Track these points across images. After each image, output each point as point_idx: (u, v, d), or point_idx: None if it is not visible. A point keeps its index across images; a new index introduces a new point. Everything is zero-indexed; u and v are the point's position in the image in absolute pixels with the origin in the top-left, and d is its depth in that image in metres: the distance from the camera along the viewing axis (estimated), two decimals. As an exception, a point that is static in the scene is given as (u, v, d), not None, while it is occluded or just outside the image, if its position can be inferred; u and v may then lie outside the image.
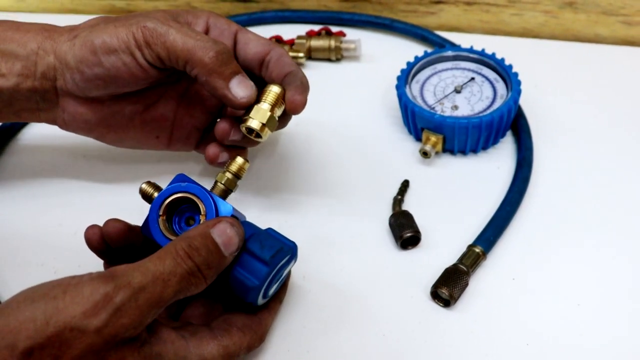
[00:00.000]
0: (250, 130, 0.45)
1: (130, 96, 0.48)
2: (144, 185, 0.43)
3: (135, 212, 0.45)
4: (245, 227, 0.41)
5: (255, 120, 0.45)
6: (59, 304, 0.33)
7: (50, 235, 0.53)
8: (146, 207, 0.43)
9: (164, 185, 0.43)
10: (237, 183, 0.44)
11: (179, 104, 0.51)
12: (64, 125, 0.49)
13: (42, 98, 0.47)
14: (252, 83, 0.45)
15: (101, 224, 0.53)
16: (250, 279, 0.39)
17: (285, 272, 0.43)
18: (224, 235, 0.38)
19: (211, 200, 0.41)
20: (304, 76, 0.47)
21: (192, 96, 0.51)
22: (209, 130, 0.52)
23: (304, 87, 0.46)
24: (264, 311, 0.43)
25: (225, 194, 0.43)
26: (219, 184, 0.44)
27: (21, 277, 0.50)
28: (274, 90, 0.45)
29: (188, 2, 0.78)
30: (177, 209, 0.43)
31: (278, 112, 0.46)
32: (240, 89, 0.44)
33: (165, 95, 0.51)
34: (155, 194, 0.42)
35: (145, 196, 0.43)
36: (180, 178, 0.43)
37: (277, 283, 0.43)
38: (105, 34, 0.44)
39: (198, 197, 0.41)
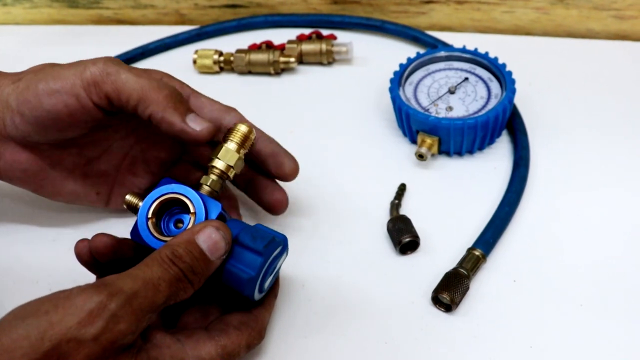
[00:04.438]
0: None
1: (72, 146, 0.47)
2: (128, 197, 0.43)
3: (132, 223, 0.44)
4: (233, 224, 0.41)
5: (220, 161, 0.44)
6: (52, 317, 0.33)
7: (44, 251, 0.52)
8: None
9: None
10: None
11: (122, 162, 0.50)
12: (0, 174, 0.47)
13: None
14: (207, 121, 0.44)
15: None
16: (245, 271, 0.39)
17: (279, 264, 0.43)
18: (210, 240, 0.38)
19: (200, 200, 0.41)
20: (274, 141, 0.48)
21: (137, 155, 0.50)
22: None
23: (288, 153, 0.48)
24: (259, 308, 0.43)
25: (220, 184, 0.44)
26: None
27: (16, 295, 0.49)
28: (241, 129, 0.44)
29: (176, 10, 0.78)
30: (166, 211, 0.42)
31: (243, 152, 0.45)
32: (197, 123, 0.43)
33: (109, 151, 0.50)
34: (140, 204, 0.42)
35: (131, 207, 0.43)
36: (167, 181, 0.42)
37: (272, 276, 0.43)
38: (49, 76, 0.43)
39: (187, 197, 0.41)
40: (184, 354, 0.38)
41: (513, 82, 0.56)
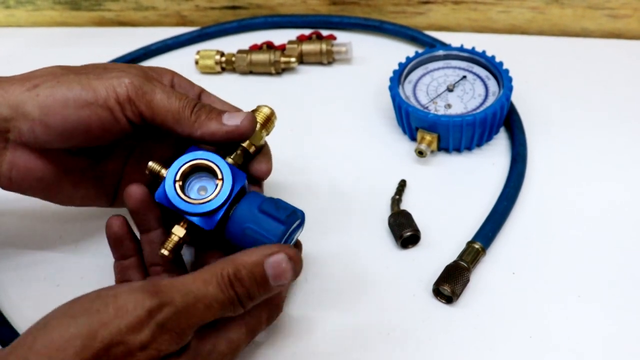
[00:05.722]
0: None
1: (85, 151, 0.46)
2: (151, 163, 0.43)
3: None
4: (256, 195, 0.42)
5: (247, 140, 0.45)
6: (103, 317, 0.33)
7: (51, 248, 0.53)
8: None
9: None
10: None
11: (127, 161, 0.49)
12: (8, 184, 0.45)
13: None
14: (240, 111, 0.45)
15: (102, 235, 0.53)
16: (267, 237, 0.40)
17: (295, 238, 0.44)
18: (278, 269, 0.37)
19: (228, 168, 0.42)
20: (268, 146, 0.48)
21: (141, 153, 0.49)
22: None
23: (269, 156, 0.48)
24: None
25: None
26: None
27: (25, 292, 0.50)
28: (264, 110, 0.46)
29: (177, 11, 0.79)
30: (190, 177, 0.43)
31: (265, 133, 0.46)
32: (234, 119, 0.43)
33: (115, 152, 0.49)
34: (163, 171, 0.42)
35: (153, 173, 0.43)
36: (194, 149, 0.43)
37: None
38: (79, 85, 0.41)
39: (215, 164, 0.42)
40: (217, 339, 0.38)
41: (510, 80, 0.57)
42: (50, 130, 0.42)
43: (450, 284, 0.46)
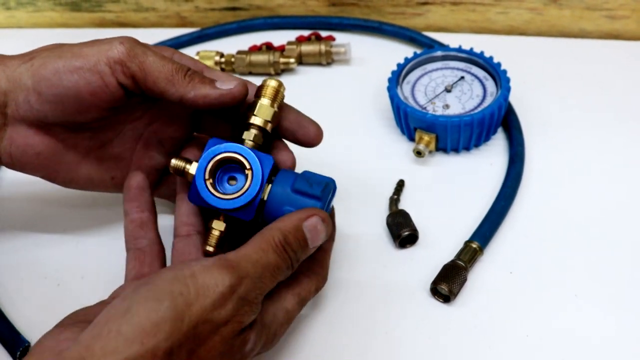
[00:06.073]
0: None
1: (86, 129, 0.46)
2: (174, 161, 0.43)
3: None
4: (286, 173, 0.43)
5: (258, 118, 0.44)
6: (188, 298, 0.34)
7: (52, 248, 0.53)
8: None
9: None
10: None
11: (136, 144, 0.49)
12: (9, 161, 0.45)
13: None
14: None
15: (103, 234, 0.54)
16: None
17: (330, 205, 0.45)
18: (314, 231, 0.40)
19: (254, 155, 0.42)
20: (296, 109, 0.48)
21: (151, 137, 0.49)
22: (167, 172, 0.51)
23: (311, 120, 0.48)
24: (321, 253, 0.44)
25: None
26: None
27: (25, 291, 0.50)
28: (271, 84, 0.45)
29: (177, 12, 0.79)
30: (218, 170, 0.43)
31: (276, 106, 0.45)
32: (227, 83, 0.43)
33: (122, 134, 0.48)
34: (188, 166, 0.43)
35: (177, 171, 0.43)
36: (215, 141, 0.43)
37: None
38: (68, 53, 0.42)
39: (241, 155, 0.42)
40: (275, 309, 0.40)
41: (508, 80, 0.57)
42: (42, 99, 0.42)
43: (448, 283, 0.46)
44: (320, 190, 0.41)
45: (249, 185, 0.41)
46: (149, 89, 0.42)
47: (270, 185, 0.42)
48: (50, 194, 0.57)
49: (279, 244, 0.38)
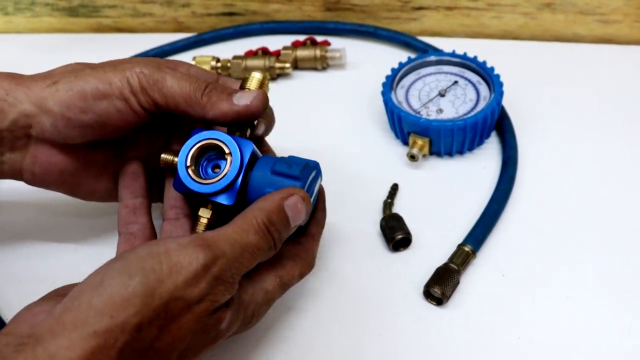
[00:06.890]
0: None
1: (104, 144, 0.47)
2: (163, 155, 0.44)
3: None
4: (267, 158, 0.43)
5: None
6: (160, 275, 0.34)
7: (51, 252, 0.54)
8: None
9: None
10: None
11: (148, 152, 0.49)
12: (31, 178, 0.46)
13: (11, 148, 0.45)
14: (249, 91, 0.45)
15: (102, 242, 0.54)
16: None
17: (316, 190, 0.45)
18: (295, 209, 0.40)
19: (232, 141, 0.42)
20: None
21: (162, 146, 0.49)
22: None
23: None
24: (308, 238, 0.45)
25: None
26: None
27: (24, 295, 0.50)
28: (256, 76, 0.46)
29: (174, 18, 0.80)
30: (202, 158, 0.44)
31: None
32: (244, 98, 0.43)
33: (136, 145, 0.49)
34: (175, 158, 0.44)
35: (167, 164, 0.44)
36: (198, 131, 0.44)
37: (311, 200, 0.44)
38: (95, 79, 0.43)
39: (220, 140, 0.43)
40: (254, 289, 0.40)
41: (501, 84, 0.58)
42: (71, 124, 0.43)
43: (441, 286, 0.47)
44: (299, 170, 0.42)
45: (228, 169, 0.42)
46: (171, 110, 0.44)
47: (251, 171, 0.43)
48: (49, 202, 0.57)
49: (261, 224, 0.38)
